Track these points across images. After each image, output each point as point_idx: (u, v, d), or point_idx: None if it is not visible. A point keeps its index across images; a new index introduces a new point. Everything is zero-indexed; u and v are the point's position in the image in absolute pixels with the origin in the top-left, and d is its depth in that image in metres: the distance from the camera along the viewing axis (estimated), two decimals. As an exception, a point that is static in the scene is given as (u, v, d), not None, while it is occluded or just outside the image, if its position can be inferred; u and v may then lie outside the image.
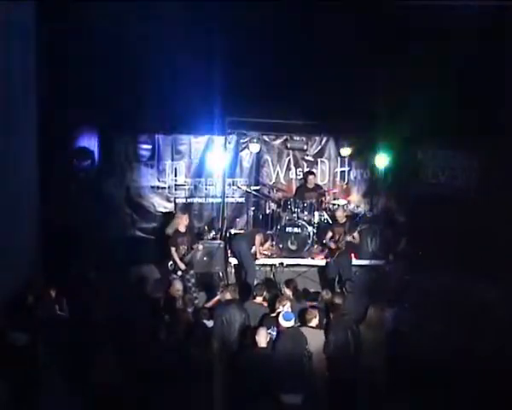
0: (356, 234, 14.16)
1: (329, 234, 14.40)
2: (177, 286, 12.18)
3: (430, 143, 15.41)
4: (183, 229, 13.58)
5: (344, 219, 14.44)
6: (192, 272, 13.51)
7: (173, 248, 13.30)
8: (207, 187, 16.23)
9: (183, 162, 16.09)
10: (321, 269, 14.72)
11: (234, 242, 14.73)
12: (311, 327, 10.43)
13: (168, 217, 15.19)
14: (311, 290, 13.86)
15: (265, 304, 11.53)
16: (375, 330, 10.57)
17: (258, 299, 11.53)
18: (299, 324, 10.51)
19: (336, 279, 13.94)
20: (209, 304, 12.38)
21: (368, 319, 10.71)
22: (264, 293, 11.66)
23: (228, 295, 11.37)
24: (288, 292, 11.85)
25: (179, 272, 13.23)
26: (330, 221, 15.26)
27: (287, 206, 15.39)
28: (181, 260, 13.31)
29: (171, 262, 13.30)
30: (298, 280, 13.06)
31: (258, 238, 14.52)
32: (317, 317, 10.53)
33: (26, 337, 9.44)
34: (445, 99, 13.34)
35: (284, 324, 10.18)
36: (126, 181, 15.73)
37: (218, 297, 12.14)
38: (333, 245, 14.24)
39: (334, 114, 14.84)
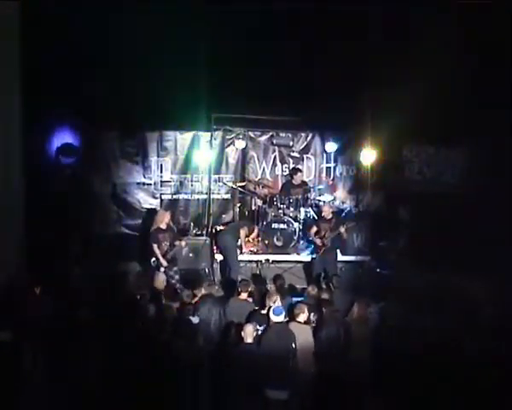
0: (343, 229, 13.91)
1: (314, 229, 14.23)
2: (161, 278, 12.19)
3: (416, 140, 15.49)
4: (164, 226, 13.51)
5: (330, 215, 14.27)
6: (176, 268, 13.40)
7: (155, 245, 13.25)
8: (193, 183, 16.17)
9: (168, 158, 16.08)
10: (306, 265, 14.59)
11: (219, 237, 14.65)
12: (299, 322, 10.33)
13: (153, 213, 14.73)
14: (297, 286, 13.74)
15: (250, 300, 11.41)
16: (360, 325, 10.44)
17: (243, 295, 11.39)
18: (287, 319, 10.42)
19: (322, 275, 13.63)
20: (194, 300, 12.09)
21: (353, 315, 10.62)
22: (249, 289, 11.49)
23: (203, 291, 11.31)
24: (274, 288, 11.72)
25: (162, 269, 13.08)
26: (316, 217, 15.10)
27: (273, 202, 15.24)
28: (163, 256, 13.22)
29: (153, 259, 13.25)
30: (284, 276, 12.88)
31: (243, 232, 14.48)
32: (305, 312, 10.44)
33: (10, 335, 9.39)
34: (431, 97, 13.48)
35: (274, 318, 10.11)
36: (112, 177, 15.65)
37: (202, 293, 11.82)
38: (318, 241, 14.06)
39: (320, 110, 14.80)
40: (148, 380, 9.05)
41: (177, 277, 13.36)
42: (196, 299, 11.18)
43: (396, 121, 13.93)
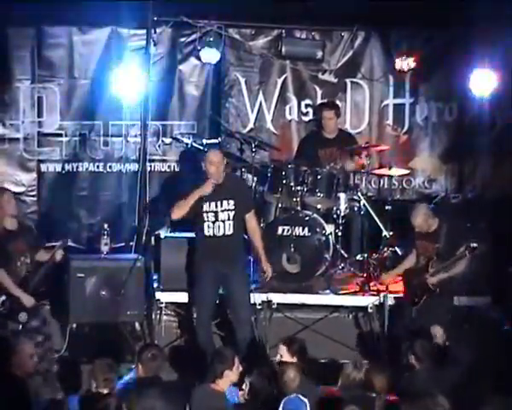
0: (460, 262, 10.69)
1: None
2: (28, 350, 9.40)
3: None
4: (11, 225, 10.82)
5: (427, 227, 11.15)
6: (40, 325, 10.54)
7: (2, 270, 10.62)
8: (109, 139, 12.92)
9: (56, 85, 12.78)
10: (358, 315, 11.67)
11: None
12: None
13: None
14: (322, 361, 11.25)
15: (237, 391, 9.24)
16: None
17: (220, 383, 9.18)
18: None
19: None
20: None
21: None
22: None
23: (140, 371, 9.20)
24: (291, 358, 9.58)
25: (22, 316, 10.37)
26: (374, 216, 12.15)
27: (280, 180, 11.83)
28: (22, 287, 10.49)
29: (3, 298, 10.54)
30: (302, 338, 10.15)
31: None
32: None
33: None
34: None
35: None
36: None
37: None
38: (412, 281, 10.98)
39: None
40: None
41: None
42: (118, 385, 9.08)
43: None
